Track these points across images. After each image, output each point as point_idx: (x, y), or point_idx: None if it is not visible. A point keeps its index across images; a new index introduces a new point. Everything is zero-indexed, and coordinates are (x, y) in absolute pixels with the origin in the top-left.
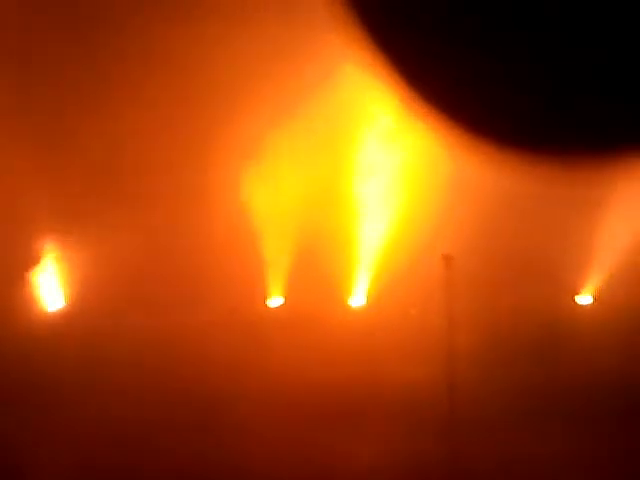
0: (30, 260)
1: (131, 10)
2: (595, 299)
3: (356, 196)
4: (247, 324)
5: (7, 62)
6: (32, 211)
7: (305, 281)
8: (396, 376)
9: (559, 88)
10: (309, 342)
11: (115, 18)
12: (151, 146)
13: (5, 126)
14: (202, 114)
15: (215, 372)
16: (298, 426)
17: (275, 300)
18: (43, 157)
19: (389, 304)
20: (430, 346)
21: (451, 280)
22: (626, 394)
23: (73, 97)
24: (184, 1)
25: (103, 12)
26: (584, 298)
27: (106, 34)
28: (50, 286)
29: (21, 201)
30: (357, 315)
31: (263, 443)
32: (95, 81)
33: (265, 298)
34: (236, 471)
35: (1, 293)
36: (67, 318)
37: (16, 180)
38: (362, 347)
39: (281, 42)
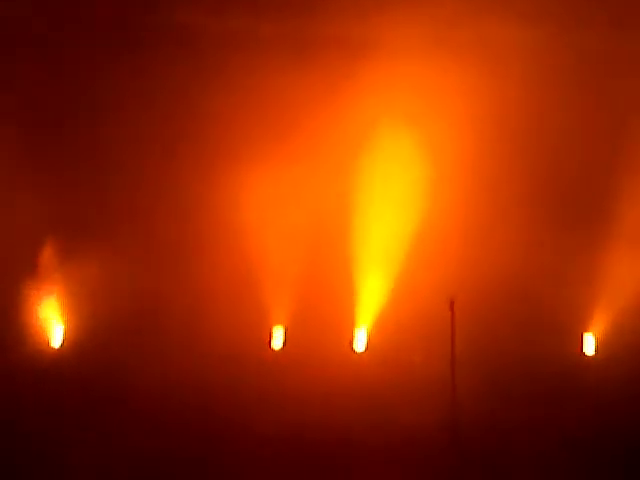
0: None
1: None
2: (599, 347)
3: (360, 240)
4: (249, 366)
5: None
6: (32, 231)
7: (308, 324)
8: (399, 421)
9: None
10: (311, 386)
11: None
12: (153, 168)
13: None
14: (206, 139)
15: (216, 410)
16: (297, 468)
17: (277, 342)
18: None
19: (392, 349)
20: (434, 391)
21: (455, 325)
22: (628, 442)
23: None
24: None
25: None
26: (588, 345)
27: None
28: (47, 320)
29: (21, 220)
30: (360, 359)
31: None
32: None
33: (268, 340)
34: None
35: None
36: (65, 352)
37: (16, 197)
38: (364, 391)
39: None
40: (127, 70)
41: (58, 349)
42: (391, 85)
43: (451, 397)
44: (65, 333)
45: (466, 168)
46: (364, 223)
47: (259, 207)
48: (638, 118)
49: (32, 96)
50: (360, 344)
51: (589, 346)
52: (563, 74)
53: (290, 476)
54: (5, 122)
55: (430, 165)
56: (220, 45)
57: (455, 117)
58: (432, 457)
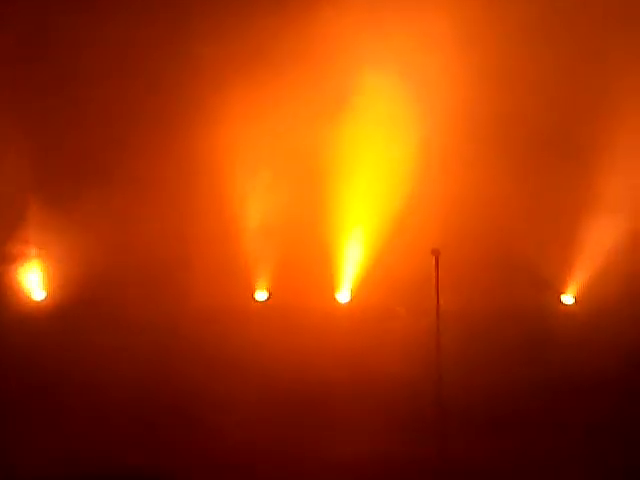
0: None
1: None
2: (578, 299)
3: (343, 192)
4: (233, 317)
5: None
6: (14, 197)
7: (291, 275)
8: (382, 372)
9: None
10: (295, 336)
11: None
12: (141, 139)
13: None
14: (194, 114)
15: (201, 363)
16: (282, 420)
17: (261, 294)
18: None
19: (376, 300)
20: (417, 342)
21: (439, 276)
22: (609, 391)
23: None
24: None
25: None
26: (568, 298)
27: None
28: (33, 274)
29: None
30: (344, 310)
31: (246, 435)
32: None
33: (252, 292)
34: (218, 463)
35: None
36: (50, 306)
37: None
38: (348, 343)
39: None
40: (112, 20)
41: (42, 301)
42: (377, 32)
43: (435, 349)
44: (49, 286)
45: (451, 121)
46: (349, 175)
47: (244, 157)
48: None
49: (20, 56)
50: (344, 295)
51: (568, 298)
52: (552, 24)
53: (272, 426)
54: None
55: (415, 118)
56: None
57: (440, 69)
58: (415, 409)
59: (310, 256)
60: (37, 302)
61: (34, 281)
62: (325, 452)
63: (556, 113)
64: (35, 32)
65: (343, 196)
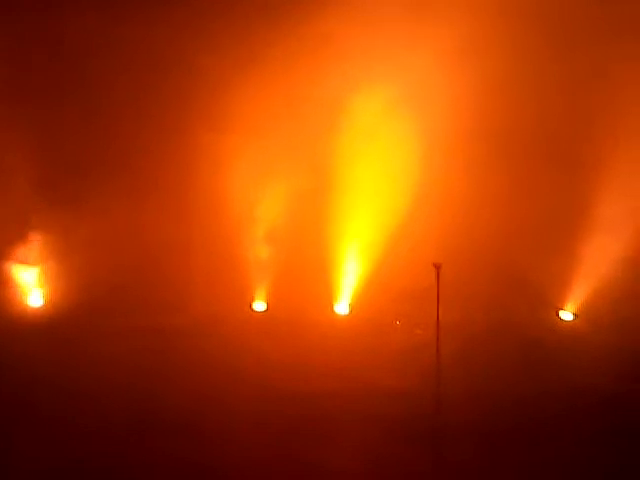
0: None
1: None
2: (577, 315)
3: (344, 203)
4: (231, 327)
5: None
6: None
7: (290, 287)
8: (380, 385)
9: None
10: (293, 347)
11: None
12: (142, 145)
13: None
14: (194, 120)
15: (197, 374)
16: (278, 432)
17: (259, 304)
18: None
19: (375, 312)
20: (417, 356)
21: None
22: (606, 408)
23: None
24: None
25: None
26: (567, 314)
27: None
28: (32, 283)
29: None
30: (342, 322)
31: (242, 447)
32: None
33: (250, 302)
34: (214, 474)
35: None
36: (48, 316)
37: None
38: (347, 355)
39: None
40: (123, 21)
41: (40, 308)
42: (380, 45)
43: (435, 362)
44: (48, 294)
45: (453, 136)
46: (349, 188)
47: (245, 168)
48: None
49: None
50: (343, 307)
51: (567, 314)
52: (557, 39)
53: (269, 437)
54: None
55: (416, 133)
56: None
57: (443, 83)
58: (414, 423)
59: (309, 267)
60: (35, 309)
61: (33, 287)
62: (322, 463)
63: (559, 130)
64: (47, 40)
65: (343, 208)
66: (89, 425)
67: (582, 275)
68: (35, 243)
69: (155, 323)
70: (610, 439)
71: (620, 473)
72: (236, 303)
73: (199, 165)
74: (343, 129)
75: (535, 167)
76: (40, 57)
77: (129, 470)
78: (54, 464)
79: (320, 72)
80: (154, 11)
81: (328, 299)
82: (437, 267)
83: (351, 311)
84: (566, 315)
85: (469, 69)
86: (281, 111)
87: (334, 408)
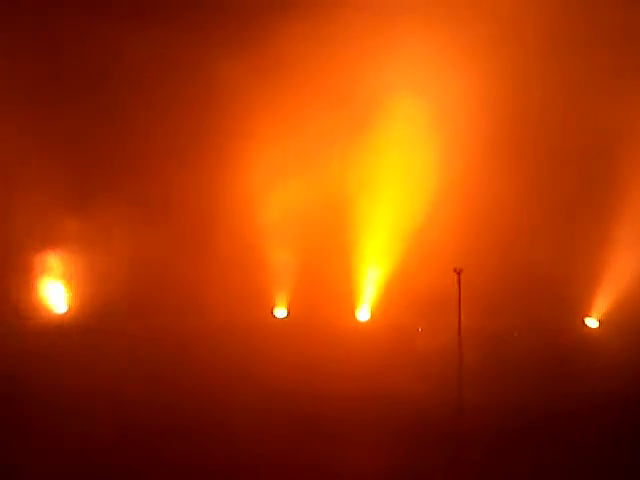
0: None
1: None
2: (602, 322)
3: (366, 209)
4: (252, 333)
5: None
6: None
7: (311, 293)
8: (402, 390)
9: None
10: (314, 353)
11: None
12: (164, 153)
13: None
14: (216, 129)
15: (218, 379)
16: (298, 437)
17: (280, 311)
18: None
19: (396, 317)
20: (439, 362)
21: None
22: (631, 414)
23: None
24: None
25: None
26: (592, 321)
27: None
28: (54, 288)
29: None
30: (363, 328)
31: (261, 452)
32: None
33: (271, 308)
34: (235, 474)
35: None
36: (72, 320)
37: (26, 173)
38: (368, 361)
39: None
40: (143, 38)
41: (63, 315)
42: (396, 54)
43: (457, 369)
44: (71, 301)
45: (472, 143)
46: (370, 195)
47: (265, 176)
48: None
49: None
50: (364, 313)
51: (592, 321)
52: (571, 43)
53: (290, 441)
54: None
55: (440, 139)
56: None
57: (460, 91)
58: (436, 430)
59: (330, 274)
60: (59, 316)
61: (56, 295)
62: (345, 468)
63: (588, 133)
64: (69, 47)
65: (364, 215)
66: (109, 425)
67: (608, 282)
68: (59, 253)
69: (176, 329)
70: (635, 443)
71: None
72: (257, 309)
73: (221, 170)
74: (364, 136)
75: (560, 171)
76: (57, 64)
77: (148, 470)
78: (77, 461)
79: (341, 79)
80: (172, 21)
81: (349, 305)
82: (458, 272)
83: (372, 317)
84: (591, 322)
85: (489, 74)
86: (301, 127)
87: (355, 412)
